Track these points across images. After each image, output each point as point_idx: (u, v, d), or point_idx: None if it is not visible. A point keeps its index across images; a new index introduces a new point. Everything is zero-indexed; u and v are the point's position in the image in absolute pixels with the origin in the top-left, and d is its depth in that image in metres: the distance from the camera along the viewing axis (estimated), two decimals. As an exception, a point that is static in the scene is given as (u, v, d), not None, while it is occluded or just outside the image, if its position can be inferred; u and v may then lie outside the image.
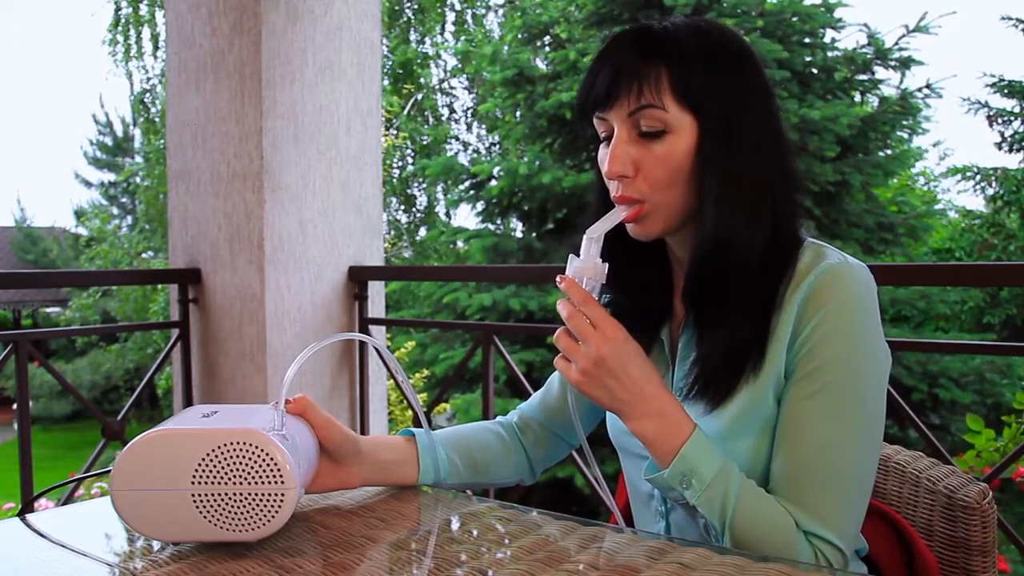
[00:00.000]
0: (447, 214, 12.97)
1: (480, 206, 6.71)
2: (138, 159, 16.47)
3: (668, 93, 0.90)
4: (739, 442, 0.91)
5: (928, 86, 6.44)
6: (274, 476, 0.80)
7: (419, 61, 13.02)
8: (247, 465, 0.80)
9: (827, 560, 0.86)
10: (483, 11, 13.56)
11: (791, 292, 0.90)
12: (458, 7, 13.47)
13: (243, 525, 0.81)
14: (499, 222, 6.89)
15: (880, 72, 6.61)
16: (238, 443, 0.80)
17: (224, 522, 0.80)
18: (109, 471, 0.81)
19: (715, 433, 0.91)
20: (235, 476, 0.80)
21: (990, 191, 8.97)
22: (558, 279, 0.91)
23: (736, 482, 0.86)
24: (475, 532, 0.88)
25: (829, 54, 6.42)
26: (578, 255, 0.93)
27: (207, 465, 0.80)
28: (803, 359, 0.89)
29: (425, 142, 13.07)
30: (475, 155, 13.92)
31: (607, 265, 0.91)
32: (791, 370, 0.90)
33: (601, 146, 0.97)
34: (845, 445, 0.87)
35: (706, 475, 0.85)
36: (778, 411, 0.91)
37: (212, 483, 0.80)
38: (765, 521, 0.85)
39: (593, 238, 0.91)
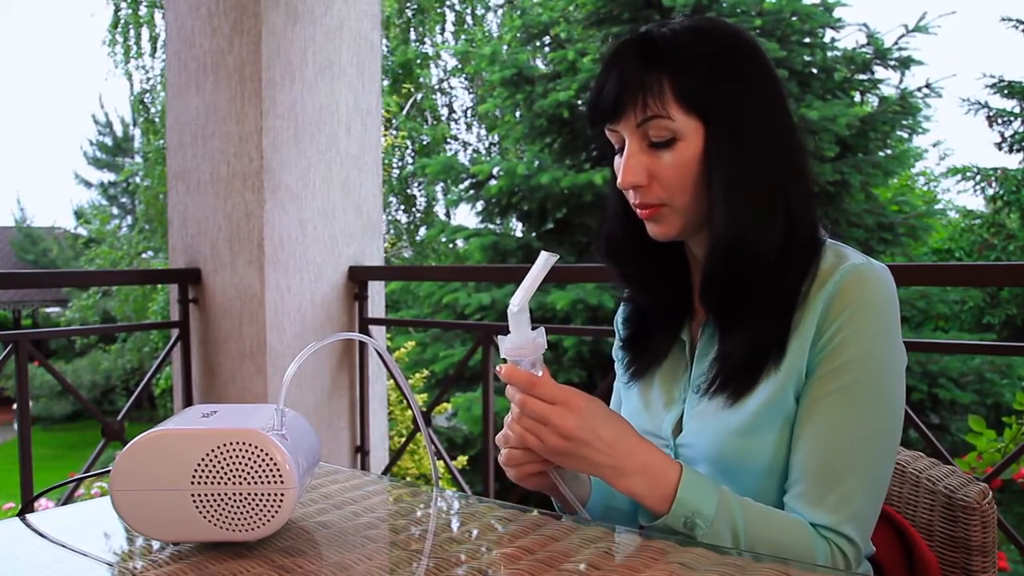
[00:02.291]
0: (447, 214, 12.98)
1: (480, 205, 6.72)
2: (138, 159, 16.48)
3: (672, 102, 0.90)
4: (759, 437, 0.91)
5: (928, 86, 6.44)
6: (274, 476, 0.80)
7: (419, 61, 13.02)
8: (247, 465, 0.80)
9: (843, 555, 0.86)
10: (483, 11, 13.56)
11: (815, 291, 0.90)
12: (458, 7, 13.47)
13: (243, 525, 0.81)
14: (499, 221, 6.89)
15: (880, 72, 6.62)
16: (238, 443, 0.80)
17: (224, 522, 0.80)
18: (109, 471, 0.81)
19: (735, 429, 0.91)
20: (235, 476, 0.80)
21: (990, 191, 8.97)
22: (498, 370, 0.88)
23: (739, 508, 0.86)
24: (475, 532, 0.88)
25: (828, 54, 6.42)
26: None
27: (207, 465, 0.80)
28: (826, 357, 0.89)
29: (425, 142, 13.07)
30: (475, 155, 13.92)
31: (542, 330, 0.87)
32: (813, 367, 0.90)
33: (616, 156, 0.97)
34: (866, 442, 0.88)
35: (708, 512, 0.85)
36: (797, 407, 0.91)
37: (212, 483, 0.80)
38: (777, 535, 0.86)
39: (515, 312, 0.86)
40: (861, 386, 0.88)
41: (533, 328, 0.87)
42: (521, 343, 0.85)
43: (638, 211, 0.96)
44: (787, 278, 0.91)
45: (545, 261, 0.87)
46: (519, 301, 0.85)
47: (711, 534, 0.84)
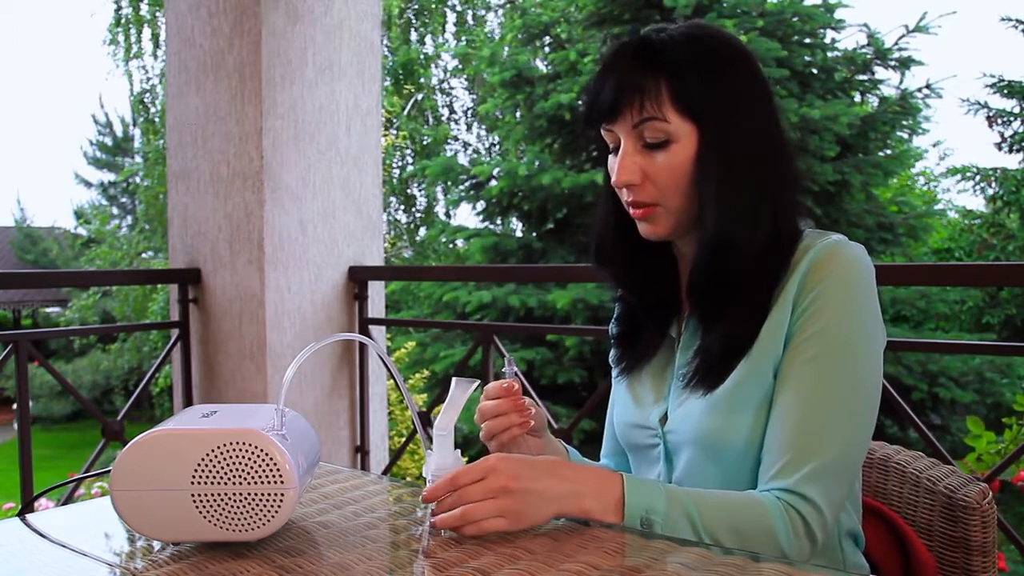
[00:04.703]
0: (447, 214, 12.97)
1: (480, 206, 6.71)
2: (138, 159, 16.47)
3: (668, 105, 0.93)
4: (736, 416, 0.93)
5: (928, 86, 6.44)
6: (274, 476, 0.80)
7: (420, 61, 13.02)
8: (247, 465, 0.80)
9: (801, 517, 0.86)
10: (483, 12, 13.56)
11: (790, 273, 0.93)
12: (459, 8, 13.47)
13: (243, 525, 0.81)
14: (499, 222, 6.89)
15: (880, 72, 6.62)
16: (238, 443, 0.80)
17: (224, 522, 0.80)
18: (109, 471, 0.81)
19: (715, 410, 0.94)
20: (235, 476, 0.80)
21: (990, 191, 8.96)
22: (423, 497, 0.86)
23: (687, 497, 0.87)
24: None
25: (829, 54, 6.42)
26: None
27: (207, 465, 0.80)
28: (801, 327, 0.91)
29: (425, 142, 13.08)
30: (475, 155, 13.92)
31: (458, 452, 0.87)
32: (788, 339, 0.92)
33: (610, 155, 1.00)
34: (830, 410, 0.89)
35: (660, 507, 0.86)
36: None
37: (212, 483, 0.80)
38: (731, 514, 0.86)
39: (443, 435, 0.86)
40: (828, 357, 0.90)
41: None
42: (446, 464, 0.85)
43: (631, 210, 0.99)
44: (769, 273, 0.94)
45: (464, 389, 0.87)
46: (445, 424, 0.85)
47: (669, 527, 0.85)
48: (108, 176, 19.81)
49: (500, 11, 13.57)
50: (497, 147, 13.61)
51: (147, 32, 12.81)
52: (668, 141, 0.94)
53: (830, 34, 6.60)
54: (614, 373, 1.12)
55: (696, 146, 0.93)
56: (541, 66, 7.13)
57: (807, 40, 6.35)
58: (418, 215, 13.50)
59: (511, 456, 0.87)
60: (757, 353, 0.92)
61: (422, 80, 13.08)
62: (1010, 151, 9.04)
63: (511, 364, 0.96)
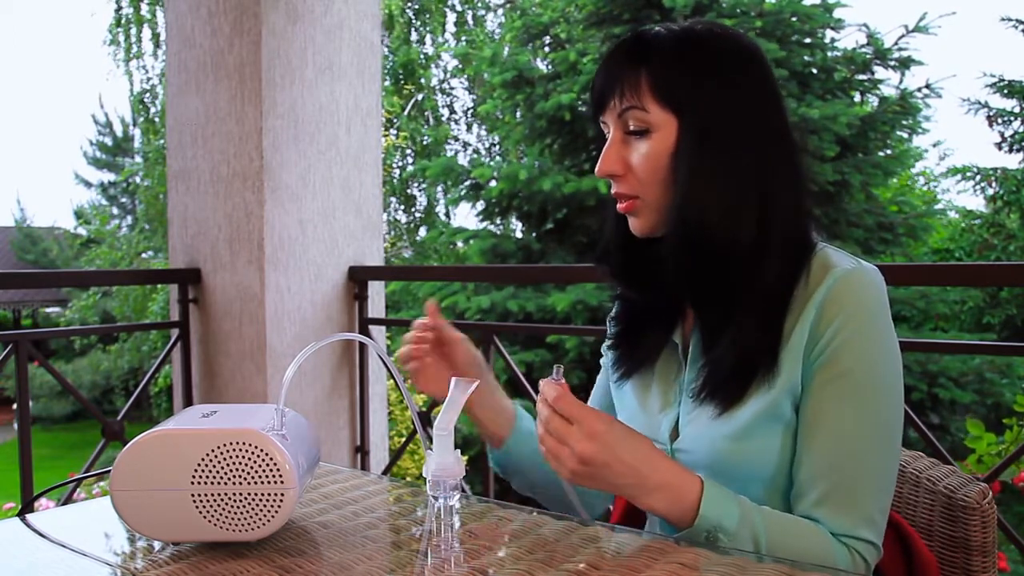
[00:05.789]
0: (447, 214, 12.97)
1: (480, 206, 6.71)
2: (138, 159, 16.47)
3: (647, 94, 0.93)
4: (753, 443, 0.91)
5: (928, 86, 6.44)
6: (274, 476, 0.80)
7: (420, 61, 13.02)
8: (247, 465, 0.80)
9: (864, 559, 0.87)
10: (483, 12, 13.56)
11: (805, 298, 0.91)
12: (459, 7, 13.47)
13: (243, 525, 0.81)
14: (499, 223, 6.88)
15: (880, 72, 6.61)
16: (238, 443, 0.80)
17: (224, 522, 0.80)
18: (109, 471, 0.81)
19: (728, 434, 0.92)
20: (235, 476, 0.80)
21: (990, 191, 8.96)
22: (547, 381, 0.87)
23: (760, 519, 0.86)
24: (475, 532, 0.88)
25: (828, 54, 6.41)
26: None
27: (207, 465, 0.80)
28: (825, 363, 0.89)
29: (425, 142, 13.07)
30: (475, 156, 13.92)
31: (458, 452, 0.86)
32: (809, 376, 0.90)
33: None
34: (874, 446, 0.89)
35: (730, 526, 0.85)
36: (797, 417, 0.91)
37: (212, 483, 0.80)
38: (797, 544, 0.86)
39: (443, 435, 0.83)
40: (865, 392, 0.88)
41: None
42: (446, 464, 0.85)
43: (618, 204, 0.98)
44: (768, 280, 0.91)
45: (464, 389, 0.87)
46: (445, 424, 0.85)
47: (732, 545, 0.85)
48: (108, 176, 19.83)
49: (500, 11, 13.57)
50: (497, 147, 13.61)
51: (147, 32, 12.81)
52: (648, 131, 0.93)
53: (829, 34, 6.59)
54: (613, 377, 1.10)
55: (676, 138, 0.92)
56: (541, 66, 7.12)
57: (806, 40, 6.34)
58: (418, 215, 13.49)
59: (614, 429, 0.85)
60: (775, 380, 0.90)
61: (422, 80, 13.08)
62: (1010, 151, 9.04)
63: (559, 372, 0.92)
